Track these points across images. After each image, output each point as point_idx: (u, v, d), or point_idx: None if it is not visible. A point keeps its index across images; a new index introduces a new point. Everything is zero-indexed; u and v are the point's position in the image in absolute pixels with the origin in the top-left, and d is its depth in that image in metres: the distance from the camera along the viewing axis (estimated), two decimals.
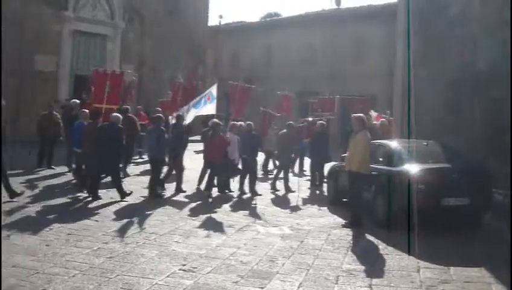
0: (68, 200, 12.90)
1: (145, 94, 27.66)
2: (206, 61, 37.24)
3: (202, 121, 20.42)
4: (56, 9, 27.36)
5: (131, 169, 17.92)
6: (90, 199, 13.01)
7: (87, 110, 14.85)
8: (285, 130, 16.69)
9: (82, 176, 14.02)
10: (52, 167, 17.37)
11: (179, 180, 15.07)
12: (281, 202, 14.41)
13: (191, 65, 32.46)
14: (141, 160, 20.18)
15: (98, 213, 11.60)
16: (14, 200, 12.21)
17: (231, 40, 43.92)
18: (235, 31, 45.00)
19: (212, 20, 44.93)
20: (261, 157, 17.54)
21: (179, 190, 14.83)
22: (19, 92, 24.03)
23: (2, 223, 10.10)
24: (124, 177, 16.04)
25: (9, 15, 24.47)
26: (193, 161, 17.50)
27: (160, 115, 15.27)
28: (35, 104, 22.99)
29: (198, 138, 18.92)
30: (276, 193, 15.66)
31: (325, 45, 37.74)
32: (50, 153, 17.66)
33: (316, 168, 16.76)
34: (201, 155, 15.94)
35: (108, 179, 14.06)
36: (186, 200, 13.92)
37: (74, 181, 14.91)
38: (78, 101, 18.59)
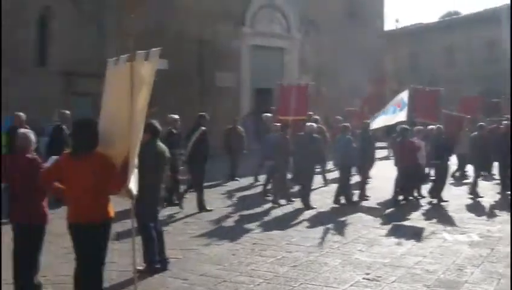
0: (256, 210, 13.23)
1: (324, 103, 27.77)
2: (384, 67, 36.77)
3: (387, 128, 20.09)
4: (234, 25, 28.32)
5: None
6: (275, 208, 13.35)
7: (278, 124, 15.26)
8: (476, 133, 16.00)
9: (279, 188, 14.27)
10: (237, 178, 17.93)
11: (362, 187, 15.00)
12: (470, 208, 13.75)
13: (372, 73, 32.22)
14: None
15: (282, 222, 11.79)
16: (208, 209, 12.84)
17: (409, 43, 43.23)
18: (412, 34, 44.26)
19: (389, 25, 44.31)
20: (453, 161, 16.88)
21: (362, 197, 14.75)
22: (202, 108, 25.09)
23: (199, 234, 10.63)
24: (324, 185, 16.56)
25: (191, 34, 25.72)
26: (376, 168, 17.27)
27: (346, 124, 15.31)
28: (217, 119, 23.96)
29: (379, 144, 18.68)
30: (467, 198, 14.91)
31: (507, 40, 36.01)
32: (235, 166, 18.28)
33: (503, 170, 15.85)
34: (384, 162, 15.68)
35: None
36: (371, 207, 13.77)
37: (267, 192, 15.14)
38: (269, 115, 19.14)
